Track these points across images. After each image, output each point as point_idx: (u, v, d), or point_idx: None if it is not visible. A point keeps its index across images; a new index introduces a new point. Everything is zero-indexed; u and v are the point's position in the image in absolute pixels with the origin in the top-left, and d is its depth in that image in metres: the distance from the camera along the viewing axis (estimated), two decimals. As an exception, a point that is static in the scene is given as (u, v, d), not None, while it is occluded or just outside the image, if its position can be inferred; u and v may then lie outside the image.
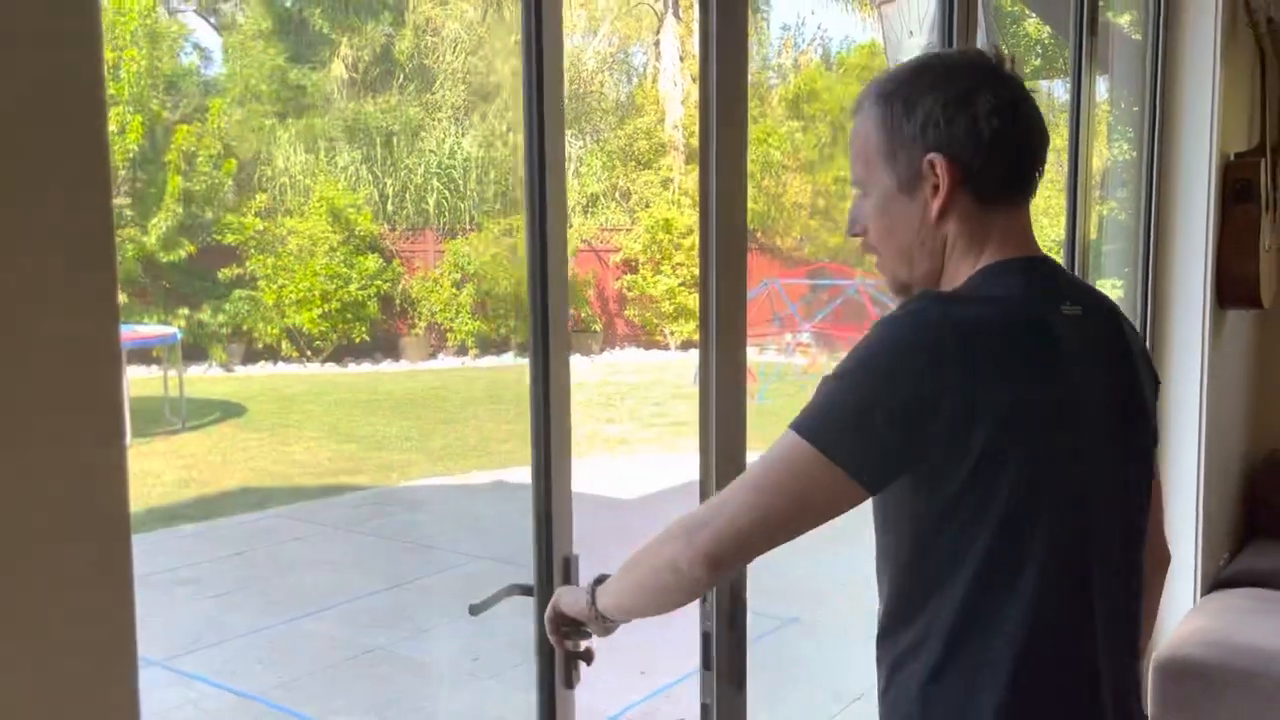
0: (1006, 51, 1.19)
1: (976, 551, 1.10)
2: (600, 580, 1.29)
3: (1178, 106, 3.02)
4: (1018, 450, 1.08)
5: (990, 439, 1.06)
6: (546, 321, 1.48)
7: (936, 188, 1.14)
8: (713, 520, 1.09)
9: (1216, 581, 3.23)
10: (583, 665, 1.46)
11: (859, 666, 4.29)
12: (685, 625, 1.58)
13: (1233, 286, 3.11)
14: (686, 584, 1.12)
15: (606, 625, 1.29)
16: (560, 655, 1.45)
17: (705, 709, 1.55)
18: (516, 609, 5.56)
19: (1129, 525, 1.23)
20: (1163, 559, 1.40)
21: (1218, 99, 2.98)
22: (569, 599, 1.33)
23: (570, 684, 1.47)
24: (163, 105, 14.14)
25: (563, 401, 1.51)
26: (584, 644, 1.41)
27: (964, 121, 1.13)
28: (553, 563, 1.49)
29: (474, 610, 1.52)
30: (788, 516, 1.09)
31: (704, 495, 1.55)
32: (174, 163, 13.01)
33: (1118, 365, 1.22)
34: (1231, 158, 3.19)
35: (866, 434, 1.06)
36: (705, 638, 1.54)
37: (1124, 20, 3.74)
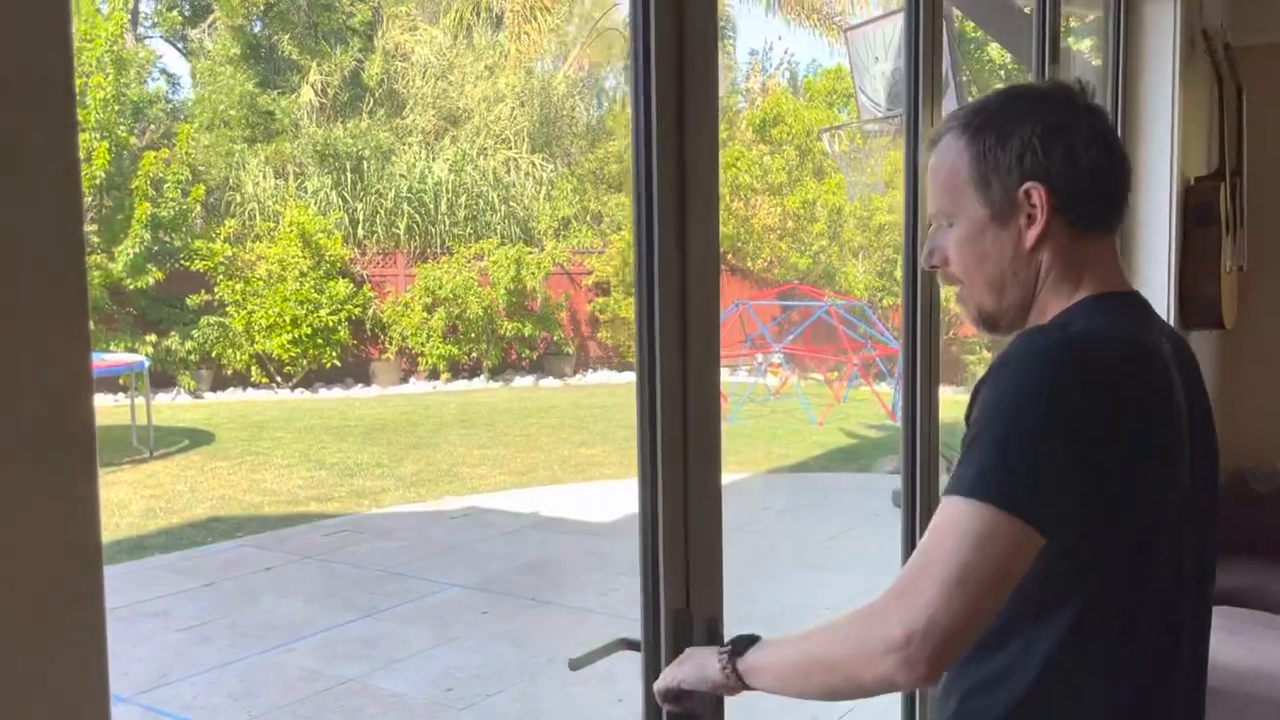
0: (1090, 85, 1.21)
1: (1086, 590, 1.08)
2: (738, 651, 1.18)
3: (1138, 132, 3.08)
4: (1144, 483, 1.07)
5: (1127, 465, 1.05)
6: (654, 341, 1.35)
7: (1031, 217, 1.14)
8: (927, 630, 0.97)
9: (1186, 600, 3.27)
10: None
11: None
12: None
13: (1196, 308, 3.16)
14: (900, 691, 1.06)
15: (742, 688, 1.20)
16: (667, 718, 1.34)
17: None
18: (483, 634, 5.49)
19: (1208, 569, 1.24)
20: None
21: (1177, 124, 3.04)
22: (695, 674, 1.21)
23: None
24: (130, 131, 14.05)
25: (675, 426, 1.36)
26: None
27: (1061, 150, 1.13)
28: (661, 616, 1.36)
29: (574, 665, 1.39)
30: (996, 596, 1.01)
31: (665, 524, 1.46)
32: (141, 189, 12.92)
33: (1202, 407, 1.23)
34: (1192, 181, 3.25)
35: (1042, 484, 1.01)
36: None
37: (1085, 46, 3.81)
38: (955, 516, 1.00)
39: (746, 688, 1.18)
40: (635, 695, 1.42)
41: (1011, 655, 1.12)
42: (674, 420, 1.38)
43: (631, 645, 1.43)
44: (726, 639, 1.25)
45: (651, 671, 1.39)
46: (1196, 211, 3.16)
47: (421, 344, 14.77)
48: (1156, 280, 3.08)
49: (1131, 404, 1.07)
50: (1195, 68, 3.27)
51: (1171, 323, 3.07)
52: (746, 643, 1.19)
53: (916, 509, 2.11)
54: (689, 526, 1.43)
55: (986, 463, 1.01)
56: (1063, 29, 2.91)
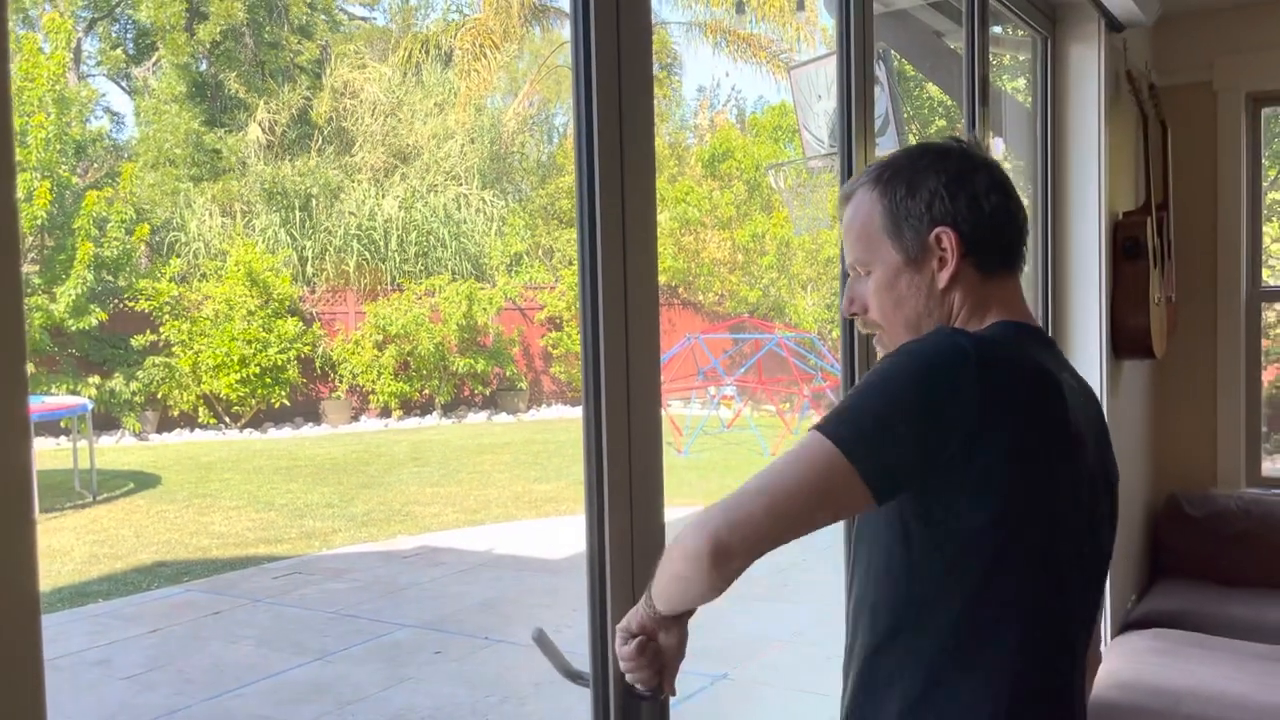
0: (985, 141, 1.29)
1: (968, 590, 1.15)
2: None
3: (1068, 169, 3.19)
4: (1025, 491, 1.13)
5: (1005, 474, 1.11)
6: (600, 379, 1.37)
7: (943, 260, 1.23)
8: (729, 509, 1.10)
9: (1125, 623, 3.34)
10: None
11: (788, 721, 4.31)
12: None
13: (1127, 338, 3.26)
14: (702, 573, 1.11)
15: (668, 624, 1.23)
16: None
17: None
18: (437, 674, 5.42)
19: (1096, 597, 1.30)
20: (1095, 659, 1.44)
21: (1104, 161, 3.15)
22: (627, 618, 1.27)
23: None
24: (72, 171, 13.87)
25: (622, 465, 1.40)
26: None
27: (965, 197, 1.22)
28: (608, 648, 1.39)
29: (537, 636, 1.43)
30: (800, 510, 1.10)
31: (612, 558, 1.49)
32: (84, 229, 12.74)
33: (1100, 443, 1.29)
34: (1120, 216, 3.36)
35: (885, 442, 1.09)
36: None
37: (1018, 85, 3.93)
38: (803, 442, 1.12)
39: (655, 608, 1.22)
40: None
41: (903, 653, 1.19)
42: (619, 450, 1.42)
43: (581, 679, 1.45)
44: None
45: (600, 706, 1.41)
46: (1125, 245, 3.27)
47: (372, 382, 14.66)
48: (1088, 312, 3.18)
49: (1007, 406, 1.12)
50: (1121, 106, 3.39)
51: (1103, 353, 3.16)
52: None
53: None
54: (635, 560, 1.46)
55: (844, 407, 1.13)
56: (995, 68, 3.01)
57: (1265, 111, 4.05)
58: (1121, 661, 2.95)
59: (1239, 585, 3.56)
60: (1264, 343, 3.99)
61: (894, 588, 1.19)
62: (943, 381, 1.11)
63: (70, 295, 12.51)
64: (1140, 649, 3.03)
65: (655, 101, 1.53)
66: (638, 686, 1.26)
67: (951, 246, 1.22)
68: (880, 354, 1.32)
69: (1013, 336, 1.22)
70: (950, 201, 1.22)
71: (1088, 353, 3.18)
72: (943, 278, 1.23)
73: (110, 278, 13.35)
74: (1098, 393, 3.16)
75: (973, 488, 1.11)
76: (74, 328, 12.66)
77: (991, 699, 1.16)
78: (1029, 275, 3.31)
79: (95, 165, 16.13)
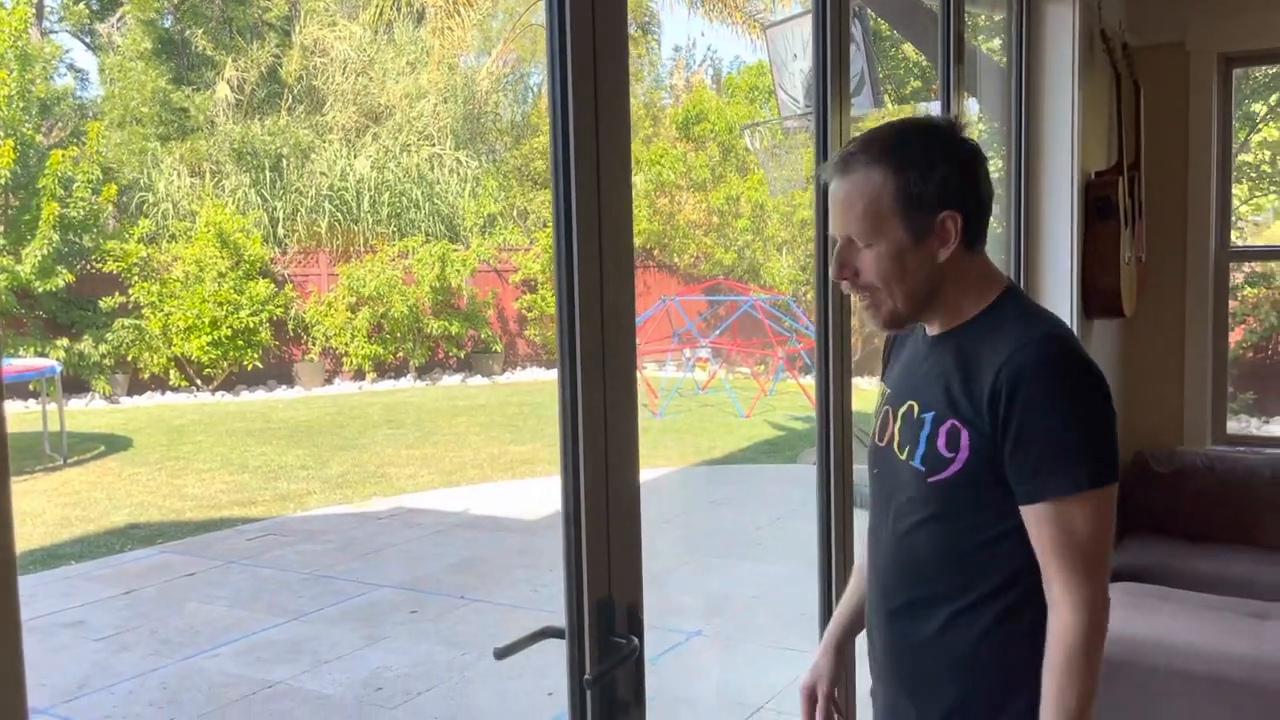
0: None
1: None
2: None
3: (1041, 129, 3.20)
4: None
5: None
6: (575, 334, 1.39)
7: (944, 239, 1.35)
8: (1102, 579, 1.33)
9: (1092, 578, 3.40)
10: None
11: (762, 677, 4.37)
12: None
13: (1097, 297, 3.29)
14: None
15: None
16: None
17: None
18: (413, 633, 5.44)
19: None
20: None
21: (1077, 121, 3.16)
22: None
23: None
24: (36, 129, 13.60)
25: (598, 427, 1.42)
26: None
27: (971, 182, 1.36)
28: (584, 605, 1.41)
29: (499, 654, 1.44)
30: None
31: (588, 513, 1.50)
32: (49, 188, 12.53)
33: None
34: (1092, 176, 3.38)
35: (1115, 446, 1.35)
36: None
37: (993, 45, 3.93)
38: (1091, 503, 1.32)
39: None
40: (564, 688, 1.44)
41: (1025, 585, 1.38)
42: (594, 409, 1.42)
43: (556, 633, 1.47)
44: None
45: (576, 658, 1.43)
46: (1097, 205, 3.29)
47: (346, 344, 14.57)
48: (1059, 272, 3.20)
49: None
50: (1095, 66, 3.40)
51: (1074, 312, 3.20)
52: None
53: (831, 497, 2.17)
54: (610, 515, 1.47)
55: (1086, 457, 1.31)
56: (970, 29, 3.00)
57: (1236, 72, 4.07)
58: (1087, 615, 3.01)
59: (1204, 540, 3.64)
60: (1231, 303, 4.04)
61: (1008, 532, 1.39)
62: (1099, 381, 1.34)
63: (36, 256, 12.33)
64: (1106, 603, 3.09)
65: (631, 61, 1.51)
66: None
67: (955, 228, 1.34)
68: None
69: (1047, 311, 1.43)
70: (959, 186, 1.34)
71: (1058, 312, 3.19)
72: (943, 254, 1.36)
73: (77, 239, 13.15)
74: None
75: None
76: (40, 289, 12.49)
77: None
78: (1000, 235, 3.33)
79: (60, 124, 15.83)
